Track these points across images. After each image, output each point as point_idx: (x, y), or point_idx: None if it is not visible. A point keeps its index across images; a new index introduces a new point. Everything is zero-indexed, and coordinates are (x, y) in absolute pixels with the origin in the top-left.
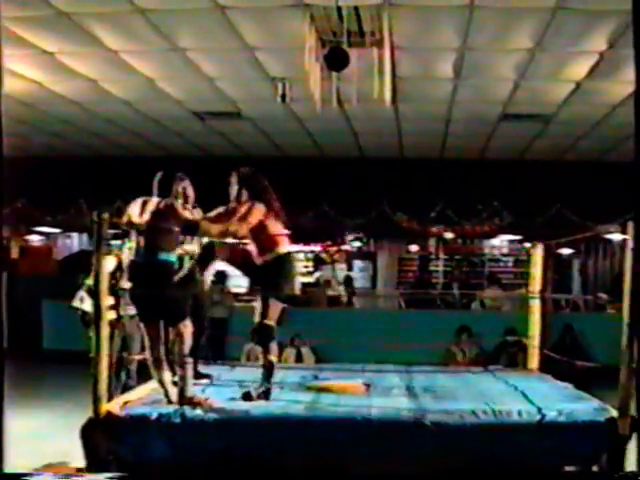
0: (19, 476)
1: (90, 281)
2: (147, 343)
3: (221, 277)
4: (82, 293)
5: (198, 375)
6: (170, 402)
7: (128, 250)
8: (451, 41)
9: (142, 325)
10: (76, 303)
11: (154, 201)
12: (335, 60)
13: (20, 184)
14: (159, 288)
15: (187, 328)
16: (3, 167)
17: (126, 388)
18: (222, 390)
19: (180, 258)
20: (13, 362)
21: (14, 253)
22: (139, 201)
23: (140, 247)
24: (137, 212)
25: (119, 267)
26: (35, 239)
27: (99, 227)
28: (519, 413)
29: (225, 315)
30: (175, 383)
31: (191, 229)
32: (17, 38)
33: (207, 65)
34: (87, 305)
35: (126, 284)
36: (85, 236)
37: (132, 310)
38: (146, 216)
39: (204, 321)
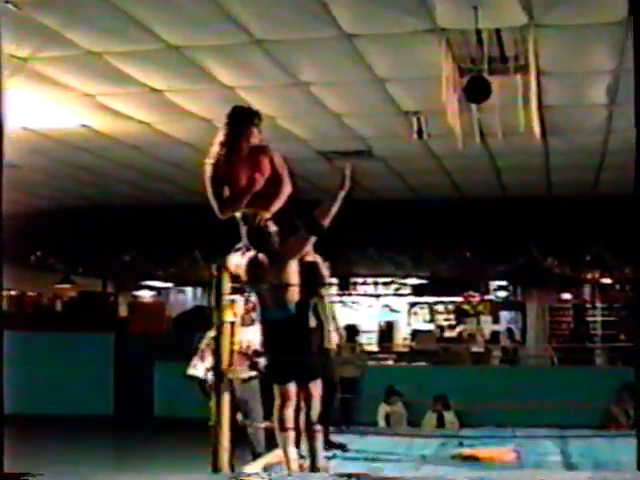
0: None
1: (203, 344)
2: (275, 405)
3: (351, 332)
4: (197, 359)
5: (330, 445)
6: (291, 470)
7: (249, 306)
8: (605, 63)
9: (275, 386)
10: (191, 371)
11: (260, 256)
12: (475, 90)
13: (129, 235)
14: (290, 344)
15: (317, 388)
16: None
17: (255, 455)
18: (352, 460)
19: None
20: (124, 430)
21: (122, 310)
22: (241, 256)
23: (264, 302)
24: (244, 268)
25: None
26: (146, 295)
27: (219, 281)
28: None
29: (355, 374)
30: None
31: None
32: (122, 75)
33: (333, 100)
34: (199, 370)
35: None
36: (199, 291)
37: (245, 373)
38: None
39: (334, 381)
